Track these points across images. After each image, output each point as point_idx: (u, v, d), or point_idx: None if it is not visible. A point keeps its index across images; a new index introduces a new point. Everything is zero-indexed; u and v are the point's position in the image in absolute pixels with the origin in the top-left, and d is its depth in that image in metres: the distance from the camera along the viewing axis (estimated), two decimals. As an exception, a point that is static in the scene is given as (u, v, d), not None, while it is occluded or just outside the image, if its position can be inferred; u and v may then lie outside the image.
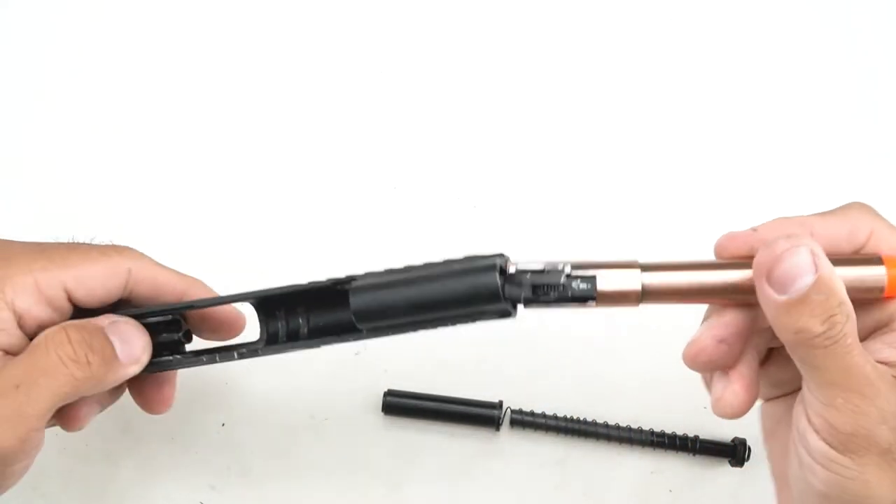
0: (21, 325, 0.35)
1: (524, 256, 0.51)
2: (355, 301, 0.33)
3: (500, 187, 0.53)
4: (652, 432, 0.47)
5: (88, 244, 0.38)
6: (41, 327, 0.35)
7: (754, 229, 0.33)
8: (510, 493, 0.47)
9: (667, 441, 0.47)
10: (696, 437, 0.47)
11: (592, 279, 0.33)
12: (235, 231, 0.52)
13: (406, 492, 0.48)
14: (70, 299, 0.36)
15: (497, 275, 0.32)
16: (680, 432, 0.47)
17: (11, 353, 0.34)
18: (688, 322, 0.49)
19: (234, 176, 0.54)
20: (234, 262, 0.51)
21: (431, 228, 0.52)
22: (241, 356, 0.37)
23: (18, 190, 0.53)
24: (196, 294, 0.38)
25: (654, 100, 0.54)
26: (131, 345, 0.36)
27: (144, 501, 0.48)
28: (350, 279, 0.35)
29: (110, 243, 0.38)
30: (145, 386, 0.39)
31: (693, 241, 0.51)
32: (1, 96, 0.55)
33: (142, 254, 0.38)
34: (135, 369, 0.36)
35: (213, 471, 0.48)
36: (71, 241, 0.39)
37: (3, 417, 0.32)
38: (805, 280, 0.29)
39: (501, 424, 0.47)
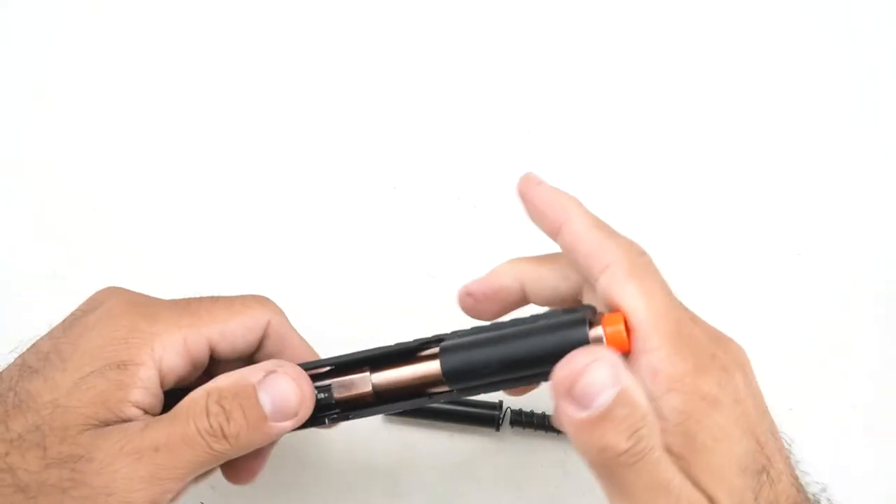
0: (161, 383, 0.34)
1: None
2: (447, 362, 0.33)
3: (500, 187, 0.53)
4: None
5: (230, 297, 0.37)
6: (178, 382, 0.35)
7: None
8: (510, 493, 0.47)
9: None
10: None
11: (328, 388, 0.35)
12: (235, 230, 0.52)
13: (406, 491, 0.48)
14: (212, 354, 0.35)
15: (587, 328, 0.31)
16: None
17: (151, 412, 0.34)
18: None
19: (234, 176, 0.54)
20: (235, 263, 0.51)
21: (431, 228, 0.52)
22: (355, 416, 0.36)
23: (18, 190, 0.54)
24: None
25: (654, 99, 0.54)
26: (286, 401, 0.33)
27: (144, 501, 0.48)
28: (439, 339, 0.35)
29: (249, 294, 0.37)
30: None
31: (692, 240, 0.52)
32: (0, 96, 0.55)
33: (277, 307, 0.38)
34: (290, 425, 0.34)
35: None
36: (213, 295, 0.38)
37: (139, 478, 0.31)
38: (607, 395, 0.27)
39: (501, 424, 0.47)
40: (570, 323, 0.32)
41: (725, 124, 0.54)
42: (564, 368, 0.28)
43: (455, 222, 0.52)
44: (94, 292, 0.36)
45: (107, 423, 0.32)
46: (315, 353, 0.39)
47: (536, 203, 0.35)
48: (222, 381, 0.33)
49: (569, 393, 0.27)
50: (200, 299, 0.36)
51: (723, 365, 0.30)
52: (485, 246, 0.52)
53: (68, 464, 0.31)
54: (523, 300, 0.37)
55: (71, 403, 0.32)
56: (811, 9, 0.56)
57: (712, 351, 0.31)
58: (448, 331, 0.35)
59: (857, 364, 0.49)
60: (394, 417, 0.48)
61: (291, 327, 0.38)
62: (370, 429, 0.48)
